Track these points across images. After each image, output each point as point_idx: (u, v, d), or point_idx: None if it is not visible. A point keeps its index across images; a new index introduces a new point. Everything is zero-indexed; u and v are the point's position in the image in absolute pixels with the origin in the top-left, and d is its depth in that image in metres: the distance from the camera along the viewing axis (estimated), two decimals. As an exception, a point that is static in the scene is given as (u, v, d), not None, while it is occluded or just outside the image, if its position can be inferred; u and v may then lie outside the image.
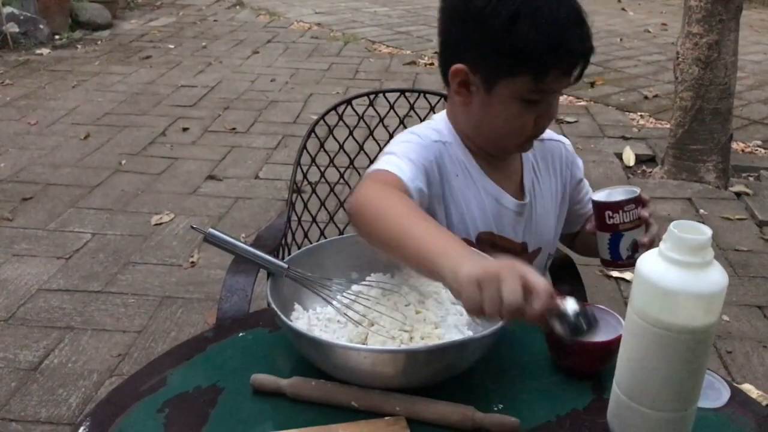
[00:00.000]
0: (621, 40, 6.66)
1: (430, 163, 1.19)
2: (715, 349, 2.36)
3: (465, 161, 1.24)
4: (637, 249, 1.14)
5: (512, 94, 1.13)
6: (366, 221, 1.05)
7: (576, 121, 4.50)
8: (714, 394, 0.97)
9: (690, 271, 0.76)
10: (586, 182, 1.41)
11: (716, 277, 0.77)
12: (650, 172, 3.82)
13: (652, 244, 1.15)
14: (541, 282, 0.83)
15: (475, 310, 0.85)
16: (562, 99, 4.91)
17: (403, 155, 1.16)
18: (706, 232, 0.78)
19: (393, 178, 1.11)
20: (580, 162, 1.40)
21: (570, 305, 0.83)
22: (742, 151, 4.07)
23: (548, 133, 1.34)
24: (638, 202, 1.14)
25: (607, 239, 1.16)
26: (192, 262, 2.82)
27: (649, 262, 0.80)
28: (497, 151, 1.25)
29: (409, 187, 1.11)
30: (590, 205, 1.27)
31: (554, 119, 1.22)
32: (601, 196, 1.16)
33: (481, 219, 1.24)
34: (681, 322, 0.78)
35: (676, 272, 0.76)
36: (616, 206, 1.13)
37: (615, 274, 2.78)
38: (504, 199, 1.26)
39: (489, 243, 1.23)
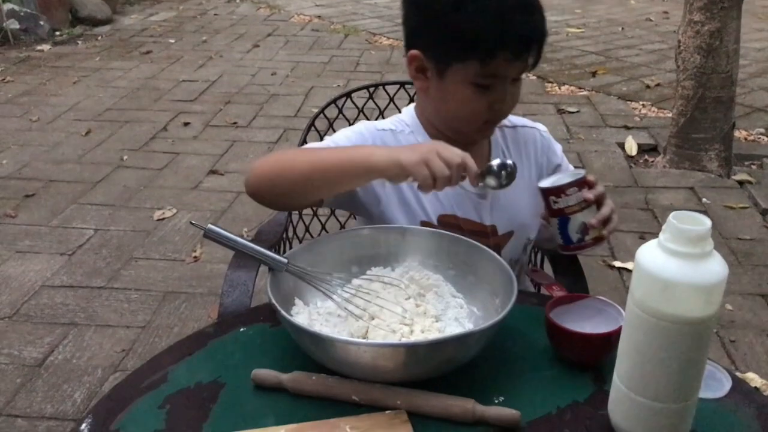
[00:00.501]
0: (622, 29, 6.63)
1: None
2: (719, 338, 2.36)
3: None
4: (587, 231, 1.14)
5: (463, 78, 1.17)
6: (275, 174, 1.14)
7: (578, 111, 4.49)
8: (715, 385, 0.97)
9: (689, 262, 0.76)
10: (570, 168, 1.40)
11: (716, 267, 0.77)
12: (652, 161, 3.81)
13: (606, 225, 1.15)
14: (459, 150, 1.03)
15: (429, 185, 1.02)
16: (564, 89, 4.91)
17: (330, 139, 1.26)
18: (706, 222, 0.77)
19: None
20: (558, 148, 1.40)
21: (494, 161, 1.08)
22: (745, 139, 4.05)
23: (522, 120, 1.39)
24: (582, 184, 1.14)
25: (556, 224, 1.17)
26: (195, 257, 2.83)
27: (648, 253, 0.79)
28: (458, 137, 1.26)
29: None
30: None
31: (515, 105, 1.24)
32: (547, 182, 1.17)
33: (442, 202, 1.27)
34: (681, 314, 0.77)
35: (676, 263, 0.76)
36: (557, 191, 1.13)
37: (618, 264, 2.77)
38: (465, 182, 1.27)
39: (452, 225, 1.25)
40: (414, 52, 1.22)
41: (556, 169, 1.38)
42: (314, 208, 1.75)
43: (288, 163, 1.17)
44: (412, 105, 1.35)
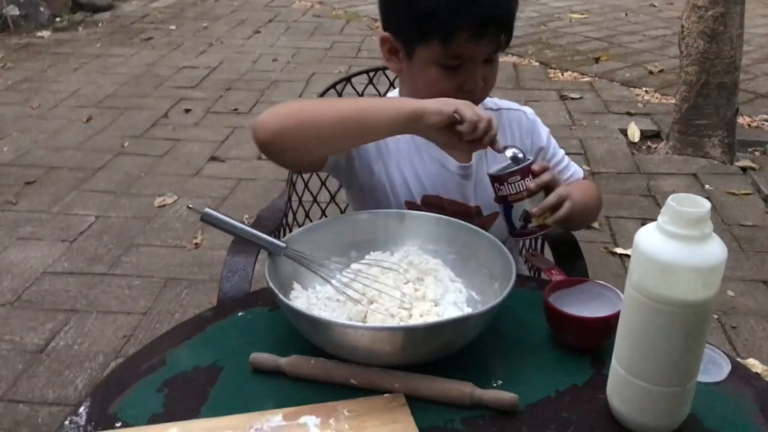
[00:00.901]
0: (626, 14, 6.59)
1: None
2: (720, 325, 2.36)
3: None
4: (529, 219, 1.14)
5: (427, 59, 1.17)
6: (300, 121, 1.10)
7: (580, 98, 4.47)
8: (715, 369, 0.97)
9: (688, 245, 0.76)
10: (558, 153, 1.40)
11: (715, 249, 0.76)
12: (655, 147, 3.79)
13: (553, 212, 1.13)
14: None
15: (471, 132, 1.05)
16: (567, 75, 4.88)
17: None
18: (705, 204, 0.77)
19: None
20: (544, 132, 1.39)
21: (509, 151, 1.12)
22: (749, 125, 4.03)
23: (508, 104, 1.38)
24: (526, 173, 1.12)
25: (502, 210, 1.17)
26: (196, 244, 2.83)
27: (647, 236, 0.79)
28: None
29: None
30: (563, 178, 1.33)
31: (491, 87, 1.23)
32: (493, 169, 1.17)
33: (426, 183, 1.28)
34: (679, 296, 0.77)
35: (675, 246, 0.76)
36: (500, 178, 1.13)
37: (619, 250, 2.77)
38: (448, 162, 1.29)
39: (436, 206, 1.26)
40: (385, 34, 1.24)
41: (538, 152, 1.37)
42: (313, 194, 1.76)
43: (313, 111, 1.14)
44: (397, 90, 1.36)
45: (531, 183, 1.12)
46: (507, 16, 1.15)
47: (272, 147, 1.12)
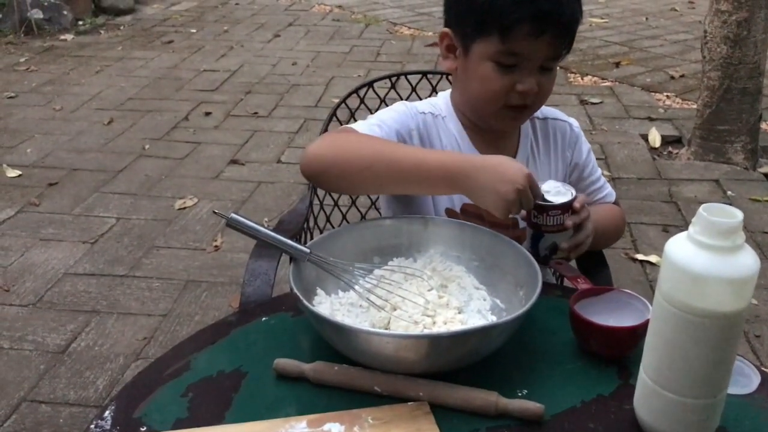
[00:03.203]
0: (647, 18, 6.54)
1: (408, 131, 1.24)
2: (744, 333, 2.33)
3: (457, 135, 1.28)
4: (555, 251, 1.13)
5: (484, 54, 1.16)
6: (340, 158, 1.12)
7: (601, 102, 4.44)
8: (744, 380, 0.95)
9: (720, 255, 0.74)
10: (595, 173, 1.38)
11: (747, 260, 0.75)
12: (677, 153, 3.76)
13: (575, 249, 1.14)
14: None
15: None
16: (587, 80, 4.85)
17: (376, 118, 1.23)
18: (737, 215, 0.76)
19: (352, 131, 1.18)
20: (585, 147, 1.37)
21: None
22: (772, 131, 3.98)
23: (554, 113, 1.36)
24: (566, 209, 1.11)
25: (530, 235, 1.16)
26: (216, 246, 2.84)
27: (677, 246, 0.78)
28: (480, 121, 1.26)
29: None
30: (595, 199, 1.34)
31: (545, 98, 1.21)
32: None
33: None
34: (710, 307, 0.76)
35: (706, 256, 0.75)
36: (540, 208, 1.10)
37: (640, 257, 2.74)
38: None
39: (475, 215, 1.24)
40: (444, 30, 1.22)
41: (573, 168, 1.36)
42: (334, 198, 1.76)
43: (362, 149, 1.13)
44: (449, 91, 1.34)
45: (569, 221, 1.11)
46: (569, 18, 1.13)
47: (318, 183, 1.19)
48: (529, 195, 1.04)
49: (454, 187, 1.08)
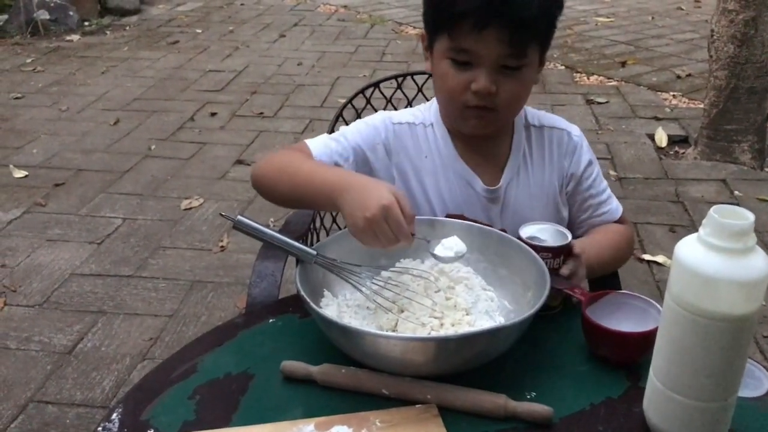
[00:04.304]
0: (653, 18, 6.52)
1: (372, 146, 1.24)
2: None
3: (441, 143, 1.26)
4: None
5: (441, 52, 1.16)
6: (267, 175, 1.18)
7: (607, 102, 4.43)
8: (754, 383, 0.94)
9: (731, 258, 0.74)
10: (597, 185, 1.29)
11: (758, 263, 0.75)
12: (683, 153, 3.74)
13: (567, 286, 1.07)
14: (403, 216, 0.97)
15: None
16: (593, 79, 4.84)
17: (339, 133, 1.25)
18: (749, 217, 0.75)
19: (303, 147, 1.21)
20: (585, 157, 1.29)
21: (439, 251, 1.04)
22: (779, 130, 3.96)
23: (554, 120, 1.31)
24: (559, 253, 1.07)
25: None
26: (222, 247, 2.84)
27: (688, 248, 0.77)
28: (451, 124, 1.25)
29: (321, 161, 1.19)
30: (596, 213, 1.28)
31: (512, 100, 1.16)
32: (527, 231, 1.10)
33: (449, 200, 1.24)
34: (721, 310, 0.75)
35: (717, 258, 0.74)
36: (533, 248, 1.06)
37: (647, 257, 2.73)
38: (475, 182, 1.25)
39: None
40: (422, 31, 1.22)
41: (569, 179, 1.28)
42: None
43: (278, 174, 1.18)
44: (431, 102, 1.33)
45: (565, 269, 1.06)
46: (520, 13, 1.06)
47: (263, 196, 1.22)
48: (383, 226, 0.96)
49: (334, 205, 1.05)
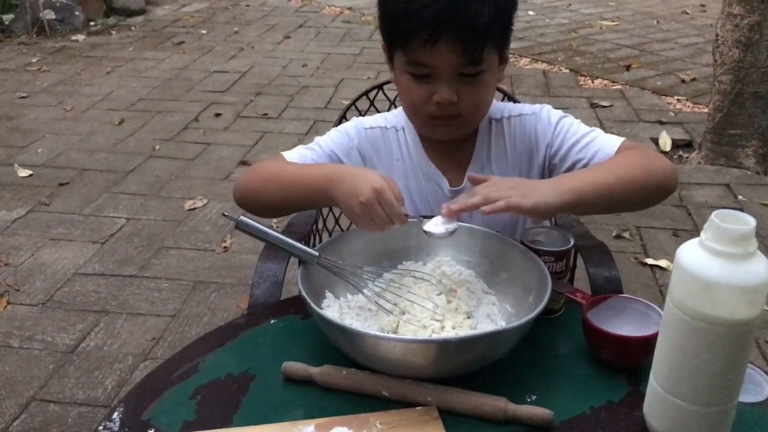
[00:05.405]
0: (658, 22, 6.52)
1: (347, 151, 1.26)
2: (755, 340, 2.31)
3: (411, 146, 1.28)
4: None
5: (399, 65, 1.16)
6: (251, 185, 1.20)
7: (611, 105, 4.42)
8: (755, 388, 0.94)
9: (732, 263, 0.74)
10: (574, 133, 1.23)
11: (760, 268, 0.75)
12: (687, 157, 3.74)
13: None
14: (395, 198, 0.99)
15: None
16: (597, 83, 4.83)
17: (315, 142, 1.27)
18: (750, 222, 0.75)
19: (281, 158, 1.23)
20: (552, 120, 1.25)
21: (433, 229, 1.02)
22: (784, 135, 3.95)
23: (518, 109, 1.29)
24: (561, 257, 1.07)
25: None
26: (225, 247, 2.85)
27: (689, 253, 0.77)
28: (420, 131, 1.26)
29: None
30: (588, 156, 1.21)
31: (477, 105, 1.16)
32: (530, 235, 1.10)
33: (420, 202, 1.27)
34: (722, 315, 0.75)
35: (718, 263, 0.74)
36: (534, 252, 1.06)
37: (650, 261, 2.73)
38: (443, 184, 1.27)
39: None
40: (383, 44, 1.22)
41: (546, 149, 1.24)
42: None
43: (264, 183, 1.20)
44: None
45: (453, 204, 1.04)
46: (472, 22, 1.06)
47: (246, 210, 1.22)
48: (377, 209, 0.98)
49: (329, 197, 1.07)
